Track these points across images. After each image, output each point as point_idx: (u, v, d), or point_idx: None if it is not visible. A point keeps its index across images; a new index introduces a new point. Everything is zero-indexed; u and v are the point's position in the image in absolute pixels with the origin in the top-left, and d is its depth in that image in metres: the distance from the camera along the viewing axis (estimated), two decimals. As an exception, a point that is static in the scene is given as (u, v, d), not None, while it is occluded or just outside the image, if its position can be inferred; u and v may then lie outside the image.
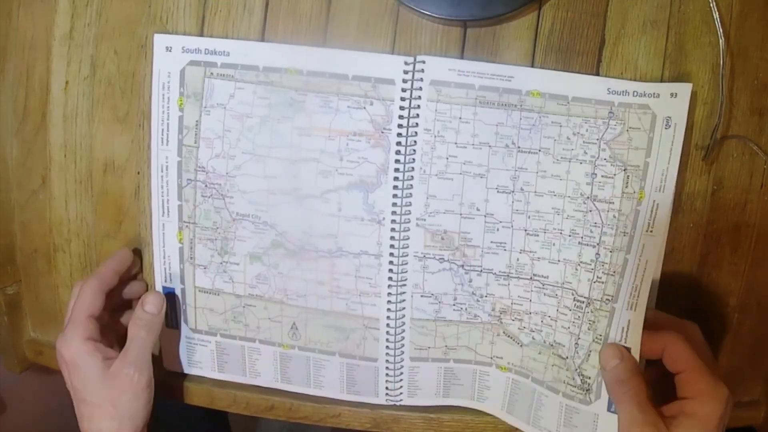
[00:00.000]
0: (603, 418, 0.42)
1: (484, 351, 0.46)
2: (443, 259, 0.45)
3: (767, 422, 0.49)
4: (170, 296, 0.47)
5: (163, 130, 0.45)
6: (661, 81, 0.43)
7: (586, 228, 0.43)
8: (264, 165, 0.44)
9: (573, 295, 0.43)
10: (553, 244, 0.43)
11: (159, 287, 0.47)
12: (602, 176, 0.42)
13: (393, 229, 0.44)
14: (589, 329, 0.42)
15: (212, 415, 0.64)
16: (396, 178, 0.43)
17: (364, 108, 0.43)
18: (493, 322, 0.45)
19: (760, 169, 0.45)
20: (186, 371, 0.50)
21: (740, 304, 0.47)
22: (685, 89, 0.41)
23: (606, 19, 0.43)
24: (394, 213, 0.44)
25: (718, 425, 0.36)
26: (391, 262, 0.45)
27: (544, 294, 0.44)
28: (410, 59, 0.42)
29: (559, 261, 0.43)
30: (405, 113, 0.43)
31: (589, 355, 0.42)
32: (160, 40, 0.44)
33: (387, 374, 0.47)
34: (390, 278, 0.45)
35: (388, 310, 0.45)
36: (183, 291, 0.47)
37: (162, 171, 0.45)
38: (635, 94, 0.42)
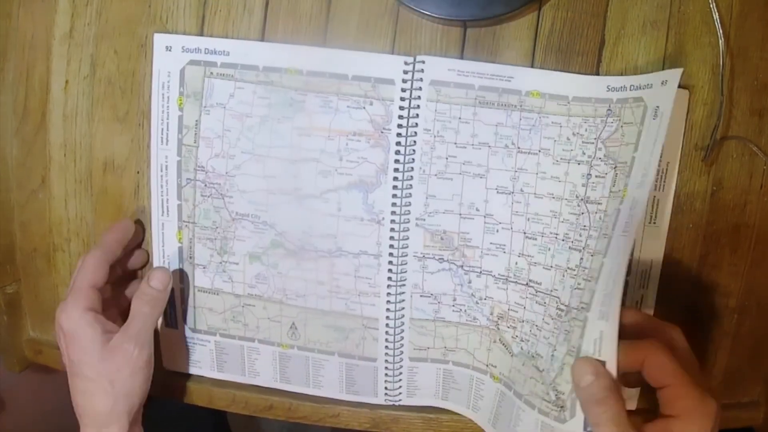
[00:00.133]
0: None
1: (481, 357, 0.46)
2: (443, 259, 0.45)
3: (767, 423, 0.49)
4: (170, 296, 0.47)
5: (162, 129, 0.45)
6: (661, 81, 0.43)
7: (576, 231, 0.42)
8: (264, 165, 0.44)
9: (557, 303, 0.42)
10: (548, 249, 0.43)
11: None
12: (596, 176, 0.41)
13: (392, 229, 0.44)
14: (564, 340, 0.40)
15: (211, 414, 0.64)
16: (395, 178, 0.43)
17: (364, 108, 0.43)
18: (491, 327, 0.45)
19: (760, 170, 0.45)
20: (185, 371, 0.49)
21: (740, 305, 0.47)
22: (674, 75, 0.38)
23: (606, 19, 0.43)
24: (393, 213, 0.44)
25: None
26: (390, 262, 0.45)
27: (536, 302, 0.43)
28: (410, 59, 0.42)
29: (551, 267, 0.42)
30: (405, 113, 0.43)
31: (562, 368, 0.40)
32: (160, 40, 0.44)
33: (386, 374, 0.47)
34: (389, 278, 0.45)
35: (388, 310, 0.45)
36: (182, 290, 0.47)
37: (161, 170, 0.45)
38: (632, 87, 0.41)
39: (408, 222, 0.44)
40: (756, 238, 0.46)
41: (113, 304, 0.45)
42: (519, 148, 0.43)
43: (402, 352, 0.46)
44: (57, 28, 0.46)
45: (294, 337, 0.47)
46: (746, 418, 0.49)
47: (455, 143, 0.43)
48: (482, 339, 0.45)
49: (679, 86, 0.43)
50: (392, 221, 0.44)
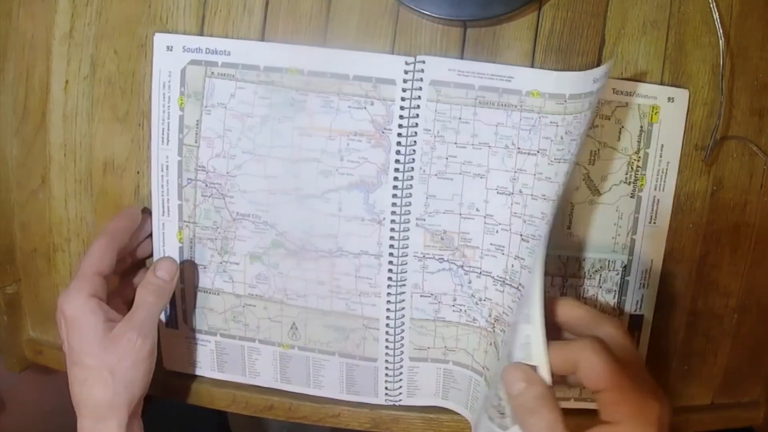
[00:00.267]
0: None
1: (479, 359, 0.46)
2: (443, 259, 0.45)
3: (767, 423, 0.49)
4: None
5: (163, 129, 0.45)
6: (661, 81, 0.43)
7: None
8: (264, 165, 0.44)
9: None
10: (534, 252, 0.41)
11: None
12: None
13: (393, 229, 0.44)
14: (504, 345, 0.40)
15: (212, 415, 0.64)
16: (396, 178, 0.43)
17: (365, 108, 0.43)
18: (488, 329, 0.45)
19: (760, 170, 0.45)
20: (186, 371, 0.49)
21: (740, 305, 0.47)
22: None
23: (606, 19, 0.43)
24: (393, 213, 0.44)
25: None
26: (390, 262, 0.45)
27: (518, 306, 0.42)
28: (411, 59, 0.42)
29: (532, 271, 0.41)
30: (405, 113, 0.43)
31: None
32: (160, 40, 0.44)
33: (386, 374, 0.47)
34: (389, 278, 0.45)
35: (388, 310, 0.45)
36: (183, 290, 0.47)
37: (162, 170, 0.45)
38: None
39: (408, 222, 0.44)
40: (756, 238, 0.46)
41: (119, 295, 0.45)
42: (519, 148, 0.43)
43: (402, 352, 0.46)
44: (57, 28, 0.46)
45: (294, 338, 0.47)
46: (746, 418, 0.49)
47: (455, 143, 0.43)
48: (480, 340, 0.45)
49: (679, 86, 0.43)
50: (392, 221, 0.44)
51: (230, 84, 0.44)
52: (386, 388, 0.48)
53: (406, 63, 0.42)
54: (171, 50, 0.44)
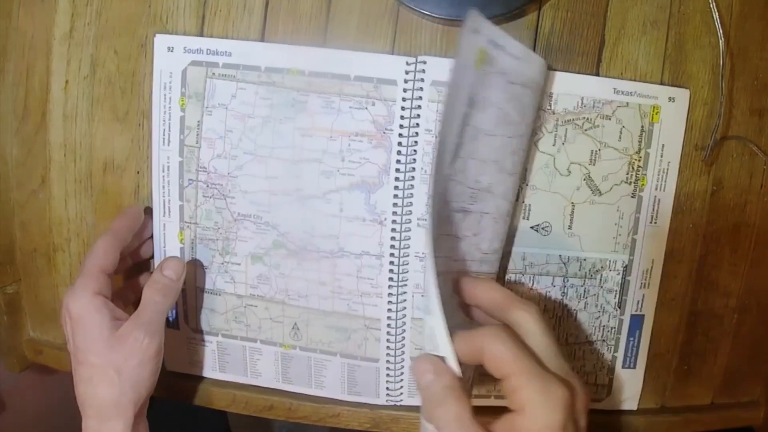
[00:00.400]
0: None
1: None
2: None
3: (767, 423, 0.49)
4: None
5: (164, 130, 0.45)
6: (661, 81, 0.43)
7: None
8: (266, 165, 0.44)
9: None
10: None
11: None
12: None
13: (394, 230, 0.44)
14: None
15: (212, 414, 0.64)
16: (397, 179, 0.43)
17: (366, 108, 0.43)
18: None
19: (760, 170, 0.45)
20: (187, 371, 0.49)
21: (740, 305, 0.47)
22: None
23: (606, 19, 0.43)
24: (395, 213, 0.44)
25: None
26: (391, 263, 0.45)
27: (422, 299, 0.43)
28: (412, 59, 0.42)
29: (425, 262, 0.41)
30: (406, 113, 0.43)
31: None
32: (161, 41, 0.44)
33: (388, 374, 0.47)
34: (391, 278, 0.45)
35: (389, 310, 0.45)
36: (184, 291, 0.47)
37: (163, 171, 0.45)
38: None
39: (410, 222, 0.44)
40: (756, 238, 0.46)
41: (125, 295, 0.45)
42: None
43: (403, 352, 0.46)
44: (57, 28, 0.46)
45: (296, 338, 0.47)
46: (746, 418, 0.49)
47: (456, 143, 0.43)
48: None
49: (680, 86, 0.43)
50: (394, 221, 0.44)
51: (231, 85, 0.44)
52: (387, 388, 0.48)
53: (407, 63, 0.42)
54: (172, 51, 0.44)
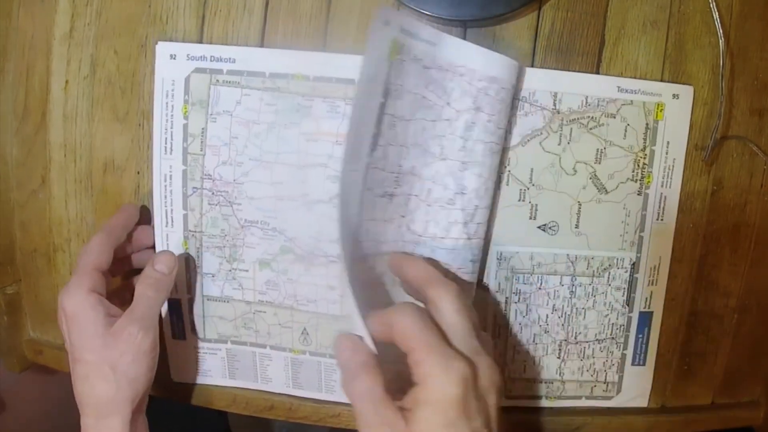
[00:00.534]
0: None
1: None
2: None
3: (767, 423, 0.49)
4: (176, 307, 0.47)
5: (166, 138, 0.44)
6: (661, 81, 0.44)
7: None
8: (271, 171, 0.44)
9: None
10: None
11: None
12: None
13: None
14: None
15: (212, 414, 0.64)
16: None
17: None
18: None
19: (760, 170, 0.45)
20: (195, 381, 0.49)
21: (740, 305, 0.47)
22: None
23: (606, 19, 0.43)
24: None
25: (461, 410, 0.30)
26: None
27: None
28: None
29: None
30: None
31: None
32: (163, 48, 0.44)
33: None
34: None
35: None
36: (190, 300, 0.47)
37: (165, 180, 0.45)
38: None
39: None
40: (756, 238, 0.46)
41: (123, 296, 0.45)
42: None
43: None
44: (57, 28, 0.46)
45: (305, 343, 0.47)
46: (746, 418, 0.49)
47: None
48: None
49: (682, 83, 0.44)
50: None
51: (236, 91, 0.43)
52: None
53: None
54: (174, 58, 0.44)
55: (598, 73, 0.43)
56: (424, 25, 0.38)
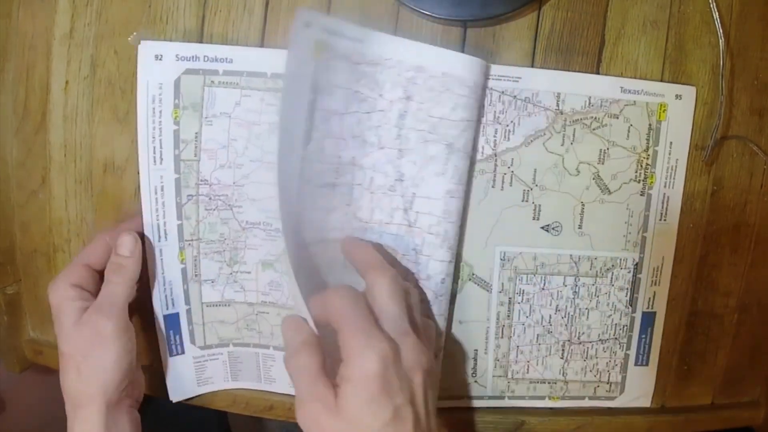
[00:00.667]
0: None
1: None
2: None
3: (767, 423, 0.49)
4: (174, 321, 0.45)
5: (155, 148, 0.42)
6: (662, 81, 0.44)
7: None
8: (274, 172, 0.43)
9: None
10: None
11: (160, 316, 0.45)
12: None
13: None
14: None
15: (211, 415, 0.64)
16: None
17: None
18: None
19: (760, 170, 0.45)
20: (196, 394, 0.48)
21: (740, 304, 0.47)
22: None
23: (606, 19, 0.43)
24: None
25: (381, 386, 0.31)
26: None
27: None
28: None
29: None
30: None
31: None
32: (147, 48, 0.41)
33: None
34: None
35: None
36: (189, 311, 0.46)
37: (156, 193, 0.43)
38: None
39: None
40: (756, 238, 0.46)
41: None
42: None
43: None
44: (57, 28, 0.46)
45: None
46: (746, 418, 0.49)
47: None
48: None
49: (683, 83, 0.44)
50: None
51: (234, 92, 0.42)
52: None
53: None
54: (161, 60, 0.41)
55: (598, 73, 0.43)
56: (348, 24, 0.39)
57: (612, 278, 0.45)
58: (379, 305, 0.35)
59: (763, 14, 0.43)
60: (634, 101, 0.43)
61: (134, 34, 0.44)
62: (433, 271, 0.42)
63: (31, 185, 0.48)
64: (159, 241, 0.44)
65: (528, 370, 0.47)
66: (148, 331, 0.46)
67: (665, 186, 0.44)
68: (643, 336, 0.47)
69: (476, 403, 0.48)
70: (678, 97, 0.43)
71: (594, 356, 0.47)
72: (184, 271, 0.45)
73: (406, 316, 0.35)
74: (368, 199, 0.42)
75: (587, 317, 0.46)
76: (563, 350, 0.47)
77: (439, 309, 0.43)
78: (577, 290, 0.45)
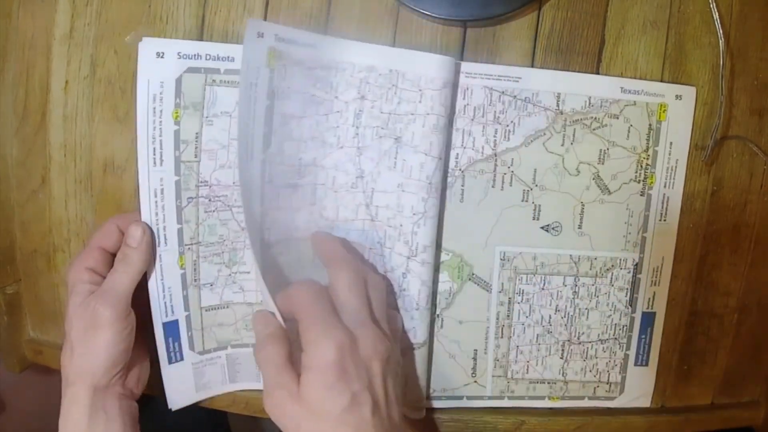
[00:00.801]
0: None
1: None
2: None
3: (767, 423, 0.49)
4: (173, 328, 0.44)
5: (155, 149, 0.41)
6: (661, 81, 0.44)
7: None
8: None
9: None
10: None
11: (159, 324, 0.43)
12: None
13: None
14: None
15: (211, 415, 0.64)
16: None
17: None
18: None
19: (760, 170, 0.45)
20: (195, 400, 0.47)
21: (740, 304, 0.47)
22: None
23: (606, 19, 0.43)
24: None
25: (338, 373, 0.33)
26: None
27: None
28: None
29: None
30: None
31: None
32: (148, 45, 0.40)
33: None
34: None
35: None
36: (188, 317, 0.44)
37: (155, 196, 0.41)
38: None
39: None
40: (756, 238, 0.46)
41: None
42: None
43: None
44: (57, 28, 0.46)
45: None
46: (746, 418, 0.49)
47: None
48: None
49: (683, 83, 0.44)
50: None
51: (236, 91, 0.41)
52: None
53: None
54: (162, 57, 0.40)
55: (598, 73, 0.43)
56: (300, 31, 0.40)
57: (612, 278, 0.45)
58: (339, 297, 0.36)
59: (763, 14, 0.43)
60: (634, 101, 0.43)
61: (132, 33, 0.44)
62: (395, 264, 0.43)
63: (31, 185, 0.48)
64: (159, 246, 0.42)
65: (528, 370, 0.47)
66: (147, 338, 0.45)
67: (665, 186, 0.44)
68: (643, 336, 0.47)
69: (476, 403, 0.48)
70: (678, 97, 0.43)
71: (594, 356, 0.47)
72: (183, 277, 0.43)
73: (366, 307, 0.36)
74: (332, 198, 0.42)
75: (587, 317, 0.46)
76: (563, 350, 0.47)
77: (410, 303, 0.43)
78: (576, 290, 0.45)
